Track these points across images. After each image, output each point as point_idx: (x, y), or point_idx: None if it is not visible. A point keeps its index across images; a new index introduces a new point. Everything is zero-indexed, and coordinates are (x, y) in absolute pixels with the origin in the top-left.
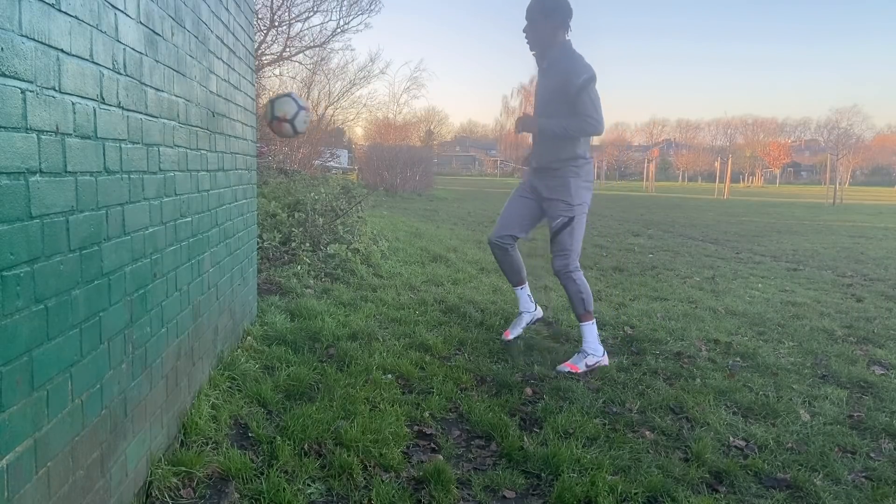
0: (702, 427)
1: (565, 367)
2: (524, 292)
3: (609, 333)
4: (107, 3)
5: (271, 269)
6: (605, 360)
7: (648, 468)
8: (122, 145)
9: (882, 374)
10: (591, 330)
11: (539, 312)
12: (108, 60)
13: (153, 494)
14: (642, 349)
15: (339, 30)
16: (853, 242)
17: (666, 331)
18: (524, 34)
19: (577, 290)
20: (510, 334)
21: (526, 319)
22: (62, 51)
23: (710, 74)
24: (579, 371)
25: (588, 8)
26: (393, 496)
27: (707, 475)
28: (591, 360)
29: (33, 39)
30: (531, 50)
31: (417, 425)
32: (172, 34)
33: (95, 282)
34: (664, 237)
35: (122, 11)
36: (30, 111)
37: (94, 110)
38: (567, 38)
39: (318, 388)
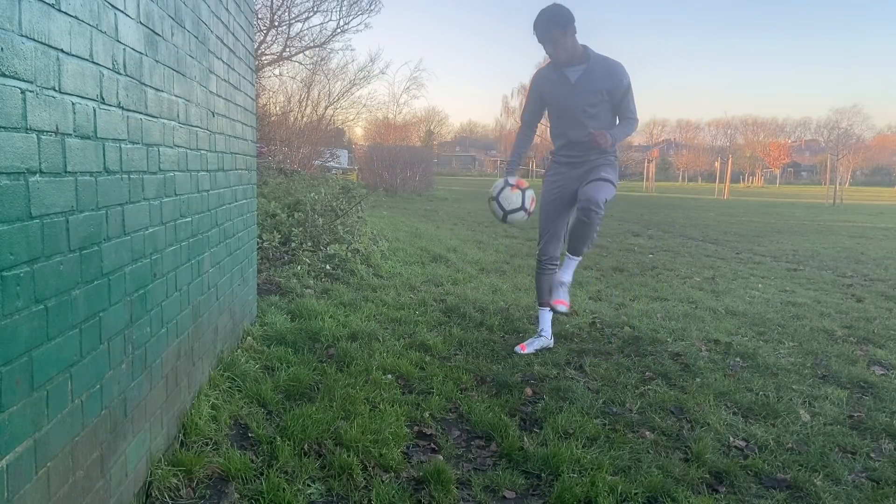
0: (702, 427)
1: (561, 304)
2: (551, 315)
3: (609, 333)
4: (107, 3)
5: (271, 269)
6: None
7: (648, 468)
8: (122, 145)
9: (882, 375)
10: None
11: (552, 343)
12: (107, 60)
13: (153, 495)
14: (642, 349)
15: (339, 30)
16: (853, 243)
17: (666, 331)
18: (547, 53)
19: (598, 231)
20: (526, 349)
21: (544, 343)
22: (62, 51)
23: (710, 74)
24: (569, 306)
25: (585, 6)
26: (393, 496)
27: (707, 475)
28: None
29: (33, 39)
30: (558, 63)
31: (417, 425)
32: (172, 34)
33: (95, 282)
34: (664, 237)
35: (121, 11)
36: (30, 111)
37: (94, 110)
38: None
39: (318, 389)
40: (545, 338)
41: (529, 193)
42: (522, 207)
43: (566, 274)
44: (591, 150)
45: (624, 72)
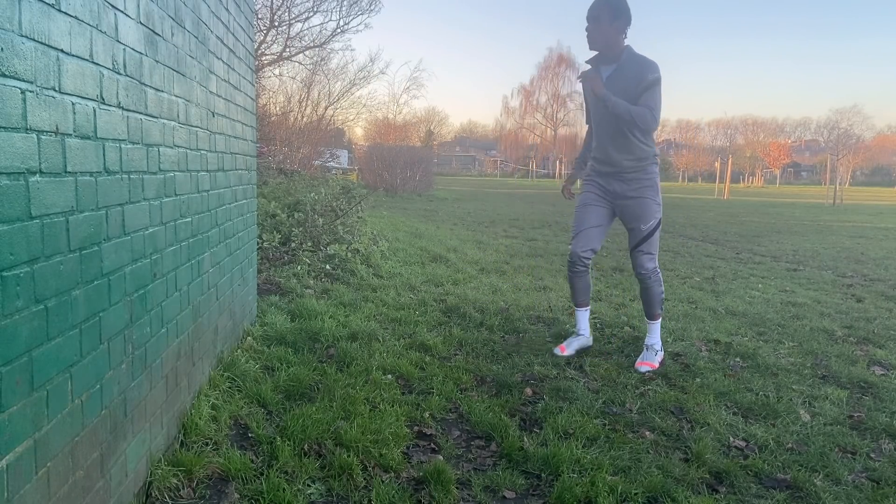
0: (702, 427)
1: (645, 366)
2: (587, 315)
3: (609, 333)
4: (107, 3)
5: (271, 270)
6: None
7: (648, 468)
8: (122, 145)
9: (882, 375)
10: (658, 327)
11: (591, 341)
12: (108, 60)
13: (153, 495)
14: (643, 349)
15: (338, 30)
16: (853, 243)
17: (666, 331)
18: (587, 32)
19: (660, 291)
20: (566, 350)
21: (582, 342)
22: (62, 51)
23: (709, 74)
24: (657, 367)
25: (584, 6)
26: (393, 496)
27: (707, 475)
28: (661, 355)
29: (33, 39)
30: (591, 48)
31: (417, 425)
32: (172, 34)
33: (95, 282)
34: (664, 237)
35: (121, 11)
36: (30, 111)
37: (94, 110)
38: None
39: (318, 389)
40: (584, 336)
41: None
42: None
43: (651, 338)
44: (619, 154)
45: (654, 68)
